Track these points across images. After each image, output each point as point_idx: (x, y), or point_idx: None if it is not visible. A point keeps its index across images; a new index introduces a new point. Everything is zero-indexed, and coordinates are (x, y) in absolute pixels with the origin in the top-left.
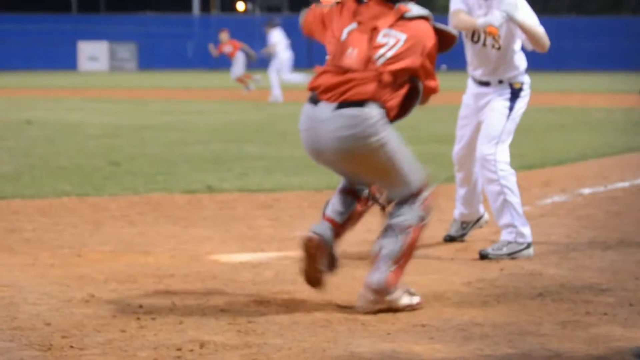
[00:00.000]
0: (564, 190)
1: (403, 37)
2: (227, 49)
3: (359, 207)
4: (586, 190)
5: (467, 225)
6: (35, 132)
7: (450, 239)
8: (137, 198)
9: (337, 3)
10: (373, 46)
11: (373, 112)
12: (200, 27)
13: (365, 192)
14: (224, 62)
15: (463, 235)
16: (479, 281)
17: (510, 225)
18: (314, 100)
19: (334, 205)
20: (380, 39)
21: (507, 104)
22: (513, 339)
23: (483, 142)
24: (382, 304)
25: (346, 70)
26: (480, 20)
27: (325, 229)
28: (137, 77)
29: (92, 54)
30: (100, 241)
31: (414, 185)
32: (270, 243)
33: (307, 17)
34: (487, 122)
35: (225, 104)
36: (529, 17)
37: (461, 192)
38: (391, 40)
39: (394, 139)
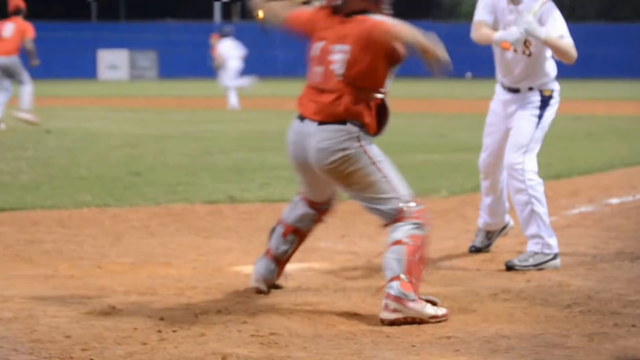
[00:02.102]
0: (592, 200)
1: (347, 47)
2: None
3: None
4: (614, 200)
5: (492, 234)
6: (55, 142)
7: (475, 250)
8: (158, 209)
9: (319, 10)
10: (329, 63)
11: (351, 128)
12: None
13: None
14: (243, 70)
15: (489, 245)
16: (505, 292)
17: (537, 236)
18: (301, 117)
19: (279, 243)
20: (333, 56)
21: (537, 112)
22: (540, 352)
23: (511, 150)
24: (405, 312)
25: (320, 89)
26: (496, 36)
27: (267, 270)
28: (157, 85)
29: (112, 62)
30: (121, 252)
31: (397, 203)
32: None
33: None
34: (515, 130)
35: (246, 113)
36: (556, 29)
37: (487, 201)
38: (341, 56)
39: (374, 154)
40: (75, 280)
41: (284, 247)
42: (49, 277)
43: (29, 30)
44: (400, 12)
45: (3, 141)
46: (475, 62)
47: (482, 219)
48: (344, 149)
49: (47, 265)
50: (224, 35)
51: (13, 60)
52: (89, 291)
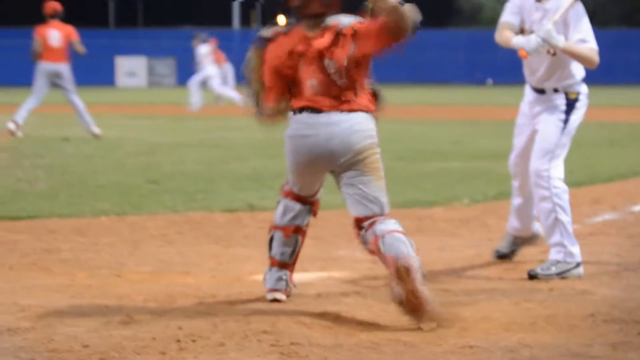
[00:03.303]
0: (615, 208)
1: (337, 63)
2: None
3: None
4: (637, 208)
5: (519, 240)
6: (73, 150)
7: (500, 255)
8: (177, 217)
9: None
10: (329, 75)
11: (373, 119)
12: (240, 42)
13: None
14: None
15: (514, 251)
16: (528, 301)
17: (559, 244)
18: (317, 111)
19: (282, 247)
20: (330, 69)
21: (562, 116)
22: None
23: (537, 157)
24: (414, 287)
25: (331, 96)
26: (514, 41)
27: (280, 279)
28: (176, 92)
29: (130, 69)
30: (139, 261)
31: (385, 205)
32: (313, 263)
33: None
34: (541, 135)
35: None
36: (579, 32)
37: (516, 202)
38: (334, 69)
39: None
40: (93, 289)
41: (289, 250)
42: (66, 286)
43: (73, 33)
44: (421, 20)
45: (20, 149)
46: (496, 68)
47: (510, 223)
48: (373, 136)
49: (64, 274)
50: (203, 41)
51: (65, 68)
52: (107, 300)
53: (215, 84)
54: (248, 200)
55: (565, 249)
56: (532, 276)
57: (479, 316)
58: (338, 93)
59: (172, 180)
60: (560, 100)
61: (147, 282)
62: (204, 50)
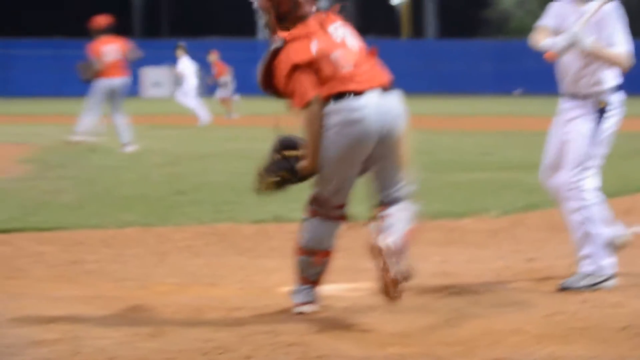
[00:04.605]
0: None
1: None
2: (213, 70)
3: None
4: None
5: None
6: (98, 161)
7: None
8: (203, 228)
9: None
10: (352, 49)
11: None
12: (265, 52)
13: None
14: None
15: None
16: (560, 313)
17: (590, 257)
18: (356, 93)
19: (311, 270)
20: (352, 45)
21: (592, 125)
22: None
23: (567, 168)
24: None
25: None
26: (542, 43)
27: (310, 295)
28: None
29: (156, 79)
30: (166, 273)
31: (407, 192)
32: (342, 274)
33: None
34: (571, 145)
35: None
36: (609, 35)
37: None
38: (352, 39)
39: None
40: (120, 301)
41: (317, 271)
42: (93, 297)
43: (126, 45)
44: (448, 30)
45: (46, 160)
46: (526, 77)
47: None
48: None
49: (91, 285)
50: (186, 51)
51: (121, 83)
52: (133, 312)
53: (181, 95)
54: (275, 211)
55: (596, 261)
56: (564, 288)
57: (509, 328)
58: (359, 59)
59: (199, 192)
60: (591, 108)
61: (174, 294)
62: (184, 65)
